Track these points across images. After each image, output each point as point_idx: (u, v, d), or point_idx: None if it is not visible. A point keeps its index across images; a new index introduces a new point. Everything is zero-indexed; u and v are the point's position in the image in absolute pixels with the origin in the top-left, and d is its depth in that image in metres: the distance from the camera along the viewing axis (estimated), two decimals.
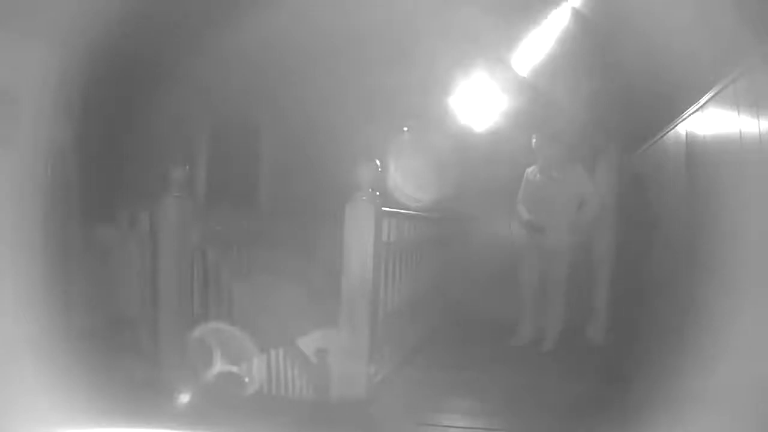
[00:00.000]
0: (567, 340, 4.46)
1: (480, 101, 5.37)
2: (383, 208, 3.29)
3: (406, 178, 5.04)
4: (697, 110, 2.95)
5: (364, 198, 3.16)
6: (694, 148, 3.04)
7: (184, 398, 2.95)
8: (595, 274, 4.61)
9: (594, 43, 4.05)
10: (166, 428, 2.00)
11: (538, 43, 4.53)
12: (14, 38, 2.62)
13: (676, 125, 3.40)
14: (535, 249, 4.51)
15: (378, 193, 3.23)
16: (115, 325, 3.46)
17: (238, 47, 3.94)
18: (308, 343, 3.60)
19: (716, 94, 2.62)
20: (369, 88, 4.75)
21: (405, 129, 5.75)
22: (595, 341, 4.50)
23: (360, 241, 3.14)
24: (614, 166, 4.70)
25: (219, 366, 3.20)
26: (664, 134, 3.71)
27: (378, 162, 3.25)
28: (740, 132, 2.27)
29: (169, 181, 3.33)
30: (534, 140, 4.54)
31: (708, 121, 2.81)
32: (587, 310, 4.62)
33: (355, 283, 3.14)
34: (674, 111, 3.34)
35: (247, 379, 3.32)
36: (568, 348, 4.35)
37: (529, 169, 4.63)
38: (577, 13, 4.09)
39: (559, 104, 4.72)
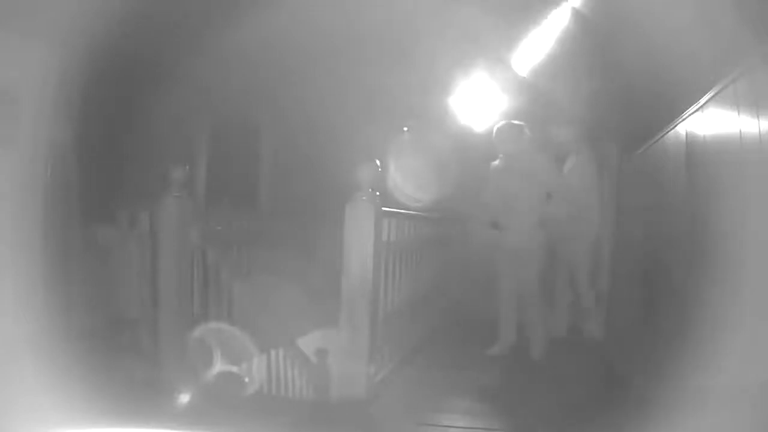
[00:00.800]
0: (565, 340, 4.45)
1: (480, 101, 5.37)
2: (383, 208, 3.29)
3: (406, 178, 5.04)
4: (697, 110, 2.94)
5: (364, 198, 3.16)
6: (694, 148, 3.03)
7: (184, 398, 2.95)
8: (576, 274, 4.54)
9: (594, 43, 4.04)
10: (166, 428, 2.00)
11: (538, 43, 4.52)
12: (14, 38, 2.62)
13: (676, 125, 3.39)
14: (501, 249, 4.17)
15: (378, 193, 3.23)
16: (115, 325, 3.47)
17: (238, 47, 3.95)
18: (308, 343, 3.60)
19: (716, 94, 2.61)
20: (369, 88, 4.75)
21: (405, 129, 5.75)
22: (595, 341, 4.49)
23: (360, 241, 3.14)
24: (591, 163, 4.57)
25: (219, 366, 3.21)
26: (664, 134, 3.70)
27: (378, 162, 3.25)
28: (740, 132, 2.26)
29: (169, 181, 3.34)
30: (495, 131, 4.25)
31: (708, 121, 2.80)
32: (584, 310, 4.61)
33: (355, 283, 3.14)
34: (674, 111, 3.32)
35: (247, 379, 3.32)
36: (567, 348, 4.34)
37: (493, 163, 4.33)
38: (577, 13, 4.09)
39: (559, 104, 4.71)
